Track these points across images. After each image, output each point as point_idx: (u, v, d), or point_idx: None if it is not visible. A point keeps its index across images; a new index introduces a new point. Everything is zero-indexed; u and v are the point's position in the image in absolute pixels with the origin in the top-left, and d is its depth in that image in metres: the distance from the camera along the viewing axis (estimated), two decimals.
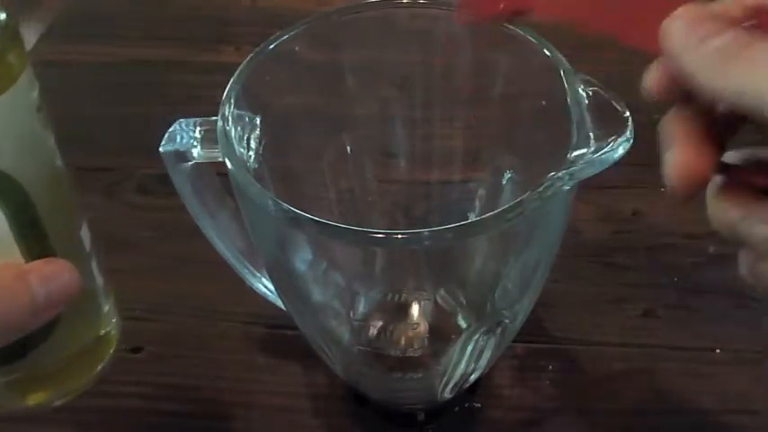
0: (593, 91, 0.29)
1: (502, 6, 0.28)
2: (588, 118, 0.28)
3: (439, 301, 0.41)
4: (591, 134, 0.28)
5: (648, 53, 0.25)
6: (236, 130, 0.31)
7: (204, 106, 0.33)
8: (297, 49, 0.34)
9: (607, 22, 0.26)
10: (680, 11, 0.24)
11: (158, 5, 0.71)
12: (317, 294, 0.35)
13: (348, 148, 0.39)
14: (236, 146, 0.30)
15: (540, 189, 0.26)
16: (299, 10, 0.63)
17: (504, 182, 0.37)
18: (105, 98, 0.62)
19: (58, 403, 0.32)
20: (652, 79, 0.25)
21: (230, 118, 0.31)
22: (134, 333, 0.45)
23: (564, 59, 0.31)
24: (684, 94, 0.24)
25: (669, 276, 0.47)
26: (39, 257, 0.27)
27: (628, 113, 0.28)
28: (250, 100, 0.32)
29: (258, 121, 0.33)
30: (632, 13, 0.25)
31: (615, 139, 0.27)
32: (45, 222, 0.27)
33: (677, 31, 0.23)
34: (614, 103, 0.28)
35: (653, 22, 0.24)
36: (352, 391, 0.42)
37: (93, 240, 0.32)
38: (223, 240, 0.38)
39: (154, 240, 0.50)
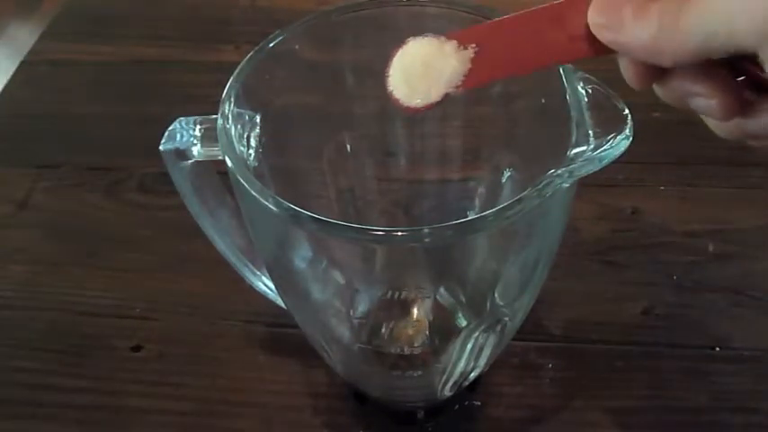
0: (592, 89, 0.29)
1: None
2: (587, 116, 0.28)
3: (439, 298, 0.41)
4: (590, 132, 0.28)
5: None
6: (235, 128, 0.31)
7: (204, 105, 0.33)
8: (297, 47, 0.34)
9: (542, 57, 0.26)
10: (592, 6, 0.24)
11: (158, 5, 0.71)
12: (317, 292, 0.36)
13: (348, 147, 0.39)
14: (235, 144, 0.30)
15: (540, 187, 0.26)
16: (299, 9, 0.63)
17: (503, 180, 0.37)
18: (105, 97, 0.62)
19: None
20: (628, 75, 0.25)
21: (230, 116, 0.31)
22: (134, 331, 0.45)
23: None
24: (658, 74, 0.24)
25: (668, 275, 0.47)
26: None
27: (627, 111, 0.28)
28: (250, 98, 0.32)
29: (258, 120, 0.33)
30: (557, 34, 0.25)
31: (614, 137, 0.27)
32: None
33: (605, 22, 0.24)
34: (613, 101, 0.28)
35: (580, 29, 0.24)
36: (352, 390, 0.42)
37: None
38: (223, 239, 0.38)
39: (154, 239, 0.50)
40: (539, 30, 0.26)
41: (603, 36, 0.24)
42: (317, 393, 0.42)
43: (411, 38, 0.28)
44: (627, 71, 0.25)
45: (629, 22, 0.23)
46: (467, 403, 0.42)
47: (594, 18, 0.24)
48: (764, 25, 0.21)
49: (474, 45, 0.26)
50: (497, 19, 0.27)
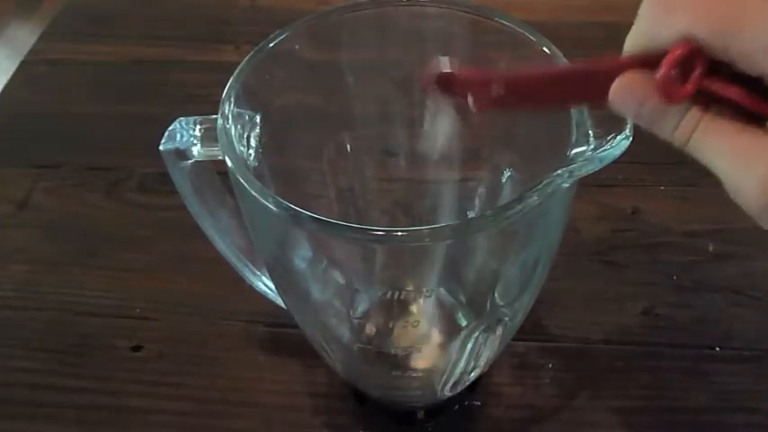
0: None
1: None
2: (587, 115, 0.28)
3: (439, 298, 0.41)
4: (590, 132, 0.28)
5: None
6: (236, 128, 0.31)
7: (204, 105, 0.33)
8: (297, 47, 0.34)
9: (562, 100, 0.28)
10: (618, 82, 0.24)
11: (158, 5, 0.71)
12: (317, 292, 0.36)
13: (348, 147, 0.39)
14: (236, 144, 0.30)
15: (540, 187, 0.26)
16: (299, 9, 0.63)
17: (503, 180, 0.37)
18: (105, 97, 0.62)
19: None
20: None
21: (230, 116, 0.31)
22: (135, 331, 0.45)
23: (563, 57, 0.31)
24: None
25: (668, 275, 0.47)
26: None
27: None
28: (250, 98, 0.32)
29: (258, 120, 0.33)
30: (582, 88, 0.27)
31: (614, 137, 0.27)
32: None
33: (626, 99, 0.24)
34: None
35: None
36: (352, 390, 0.42)
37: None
38: (223, 239, 0.38)
39: (154, 239, 0.50)
40: (565, 83, 0.27)
41: (618, 107, 0.25)
42: (317, 393, 0.42)
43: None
44: None
45: (647, 110, 0.24)
46: (467, 403, 0.42)
47: (618, 89, 0.24)
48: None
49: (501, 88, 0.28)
50: (528, 70, 0.28)
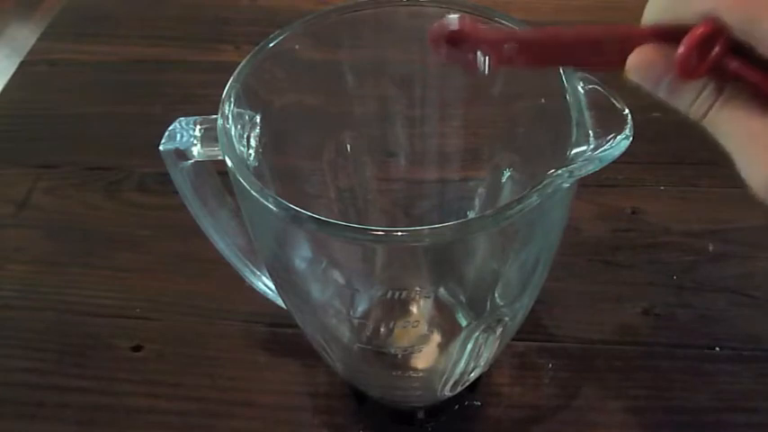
0: (592, 88, 0.29)
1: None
2: (587, 115, 0.28)
3: (439, 298, 0.41)
4: (590, 132, 0.28)
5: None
6: (236, 128, 0.31)
7: (204, 105, 0.33)
8: (297, 47, 0.34)
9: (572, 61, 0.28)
10: (635, 56, 0.24)
11: (158, 5, 0.71)
12: (317, 292, 0.36)
13: (348, 147, 0.39)
14: (236, 144, 0.30)
15: (540, 187, 0.26)
16: (299, 8, 0.63)
17: (503, 180, 0.37)
18: (105, 97, 0.62)
19: None
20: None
21: (230, 116, 0.31)
22: (134, 331, 0.45)
23: None
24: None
25: (668, 275, 0.47)
26: None
27: (627, 111, 0.28)
28: (250, 98, 0.32)
29: (258, 120, 0.33)
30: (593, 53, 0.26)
31: (614, 137, 0.27)
32: None
33: (643, 74, 0.24)
34: (613, 101, 0.28)
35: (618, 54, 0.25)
36: (352, 389, 0.42)
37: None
38: (223, 239, 0.38)
39: (154, 239, 0.50)
40: (581, 47, 0.26)
41: (635, 79, 0.24)
42: (316, 393, 0.42)
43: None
44: None
45: (665, 84, 0.24)
46: (467, 403, 0.42)
47: (636, 62, 0.24)
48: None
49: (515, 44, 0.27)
50: (544, 31, 0.27)
